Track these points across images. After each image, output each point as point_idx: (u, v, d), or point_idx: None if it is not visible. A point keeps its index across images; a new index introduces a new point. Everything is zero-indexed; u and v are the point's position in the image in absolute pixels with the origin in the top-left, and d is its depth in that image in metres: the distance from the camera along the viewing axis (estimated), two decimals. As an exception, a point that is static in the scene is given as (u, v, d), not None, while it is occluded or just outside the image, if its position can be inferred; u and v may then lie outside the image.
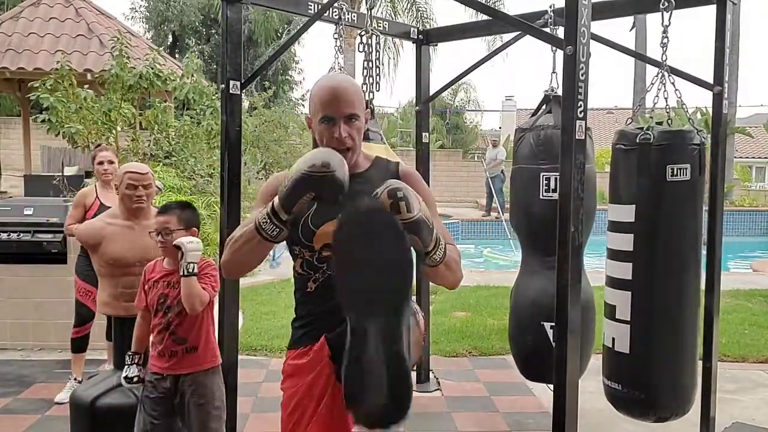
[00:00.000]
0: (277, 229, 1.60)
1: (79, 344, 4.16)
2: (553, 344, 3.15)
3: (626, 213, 2.86)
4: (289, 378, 1.86)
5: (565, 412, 2.17)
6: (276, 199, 1.59)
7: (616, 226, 2.92)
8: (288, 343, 1.92)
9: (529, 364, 3.37)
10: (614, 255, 2.93)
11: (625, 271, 2.86)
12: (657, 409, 2.86)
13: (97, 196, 4.05)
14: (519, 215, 3.41)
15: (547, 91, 3.36)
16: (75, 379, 4.07)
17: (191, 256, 2.41)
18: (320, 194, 1.56)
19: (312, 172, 1.53)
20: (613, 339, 2.93)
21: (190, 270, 2.41)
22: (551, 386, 3.40)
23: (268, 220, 1.59)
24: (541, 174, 3.16)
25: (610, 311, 2.94)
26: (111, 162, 4.12)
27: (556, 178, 3.11)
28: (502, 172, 13.68)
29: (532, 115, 3.48)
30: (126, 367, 2.65)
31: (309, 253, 1.74)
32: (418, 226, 1.53)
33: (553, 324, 3.12)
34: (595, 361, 4.46)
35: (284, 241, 1.72)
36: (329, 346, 1.76)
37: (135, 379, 2.63)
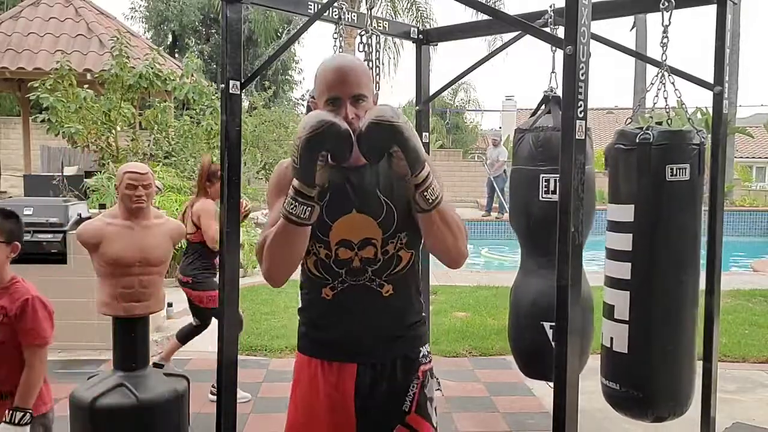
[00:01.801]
0: (308, 208, 1.50)
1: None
2: (553, 344, 3.17)
3: (625, 213, 2.86)
4: (299, 385, 1.81)
5: (566, 412, 2.17)
6: (294, 181, 1.51)
7: (615, 226, 2.92)
8: (297, 342, 1.83)
9: (528, 363, 3.39)
10: (613, 255, 2.93)
11: (624, 270, 2.85)
12: (655, 408, 2.85)
13: None
14: (518, 216, 3.41)
15: (546, 91, 3.36)
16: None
17: None
18: (331, 148, 1.49)
19: (313, 131, 1.46)
20: (612, 339, 2.93)
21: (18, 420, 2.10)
22: (551, 384, 3.43)
23: (295, 203, 1.50)
24: (541, 175, 3.15)
25: (609, 311, 2.94)
26: None
27: (555, 180, 3.11)
28: (504, 172, 13.69)
29: (531, 115, 3.48)
30: None
31: (325, 251, 1.64)
32: (401, 133, 1.48)
33: (553, 324, 3.16)
34: (596, 362, 4.46)
35: None
36: (356, 384, 1.68)
37: None
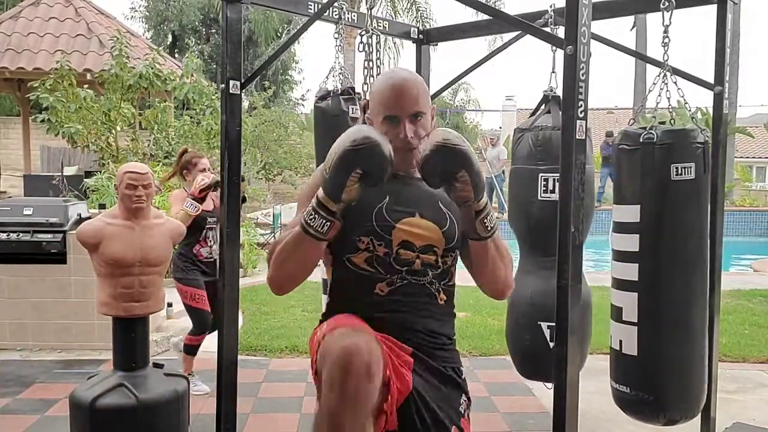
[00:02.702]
0: (328, 223, 1.45)
1: (195, 349, 4.09)
2: (550, 344, 3.17)
3: (631, 213, 2.84)
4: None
5: (566, 412, 2.16)
6: (320, 191, 1.45)
7: (621, 227, 2.89)
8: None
9: (526, 364, 3.38)
10: (620, 256, 2.89)
11: (631, 272, 2.82)
12: (666, 411, 2.80)
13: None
14: (517, 215, 3.41)
15: (546, 91, 3.36)
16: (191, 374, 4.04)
17: None
18: (367, 169, 1.42)
19: (354, 146, 1.40)
20: (621, 341, 2.87)
21: None
22: (548, 385, 3.43)
23: (315, 215, 1.45)
24: (540, 175, 3.15)
25: (617, 313, 2.89)
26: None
27: (554, 179, 3.11)
28: (503, 171, 13.72)
29: (531, 115, 3.48)
30: None
31: (384, 249, 1.55)
32: (469, 158, 1.44)
33: (550, 324, 3.15)
34: (597, 362, 4.46)
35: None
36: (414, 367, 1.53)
37: None
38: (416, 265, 1.56)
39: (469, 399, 1.69)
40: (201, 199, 3.79)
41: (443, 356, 1.63)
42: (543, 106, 3.39)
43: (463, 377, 1.69)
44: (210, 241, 4.03)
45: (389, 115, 1.56)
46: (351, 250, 1.57)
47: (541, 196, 3.15)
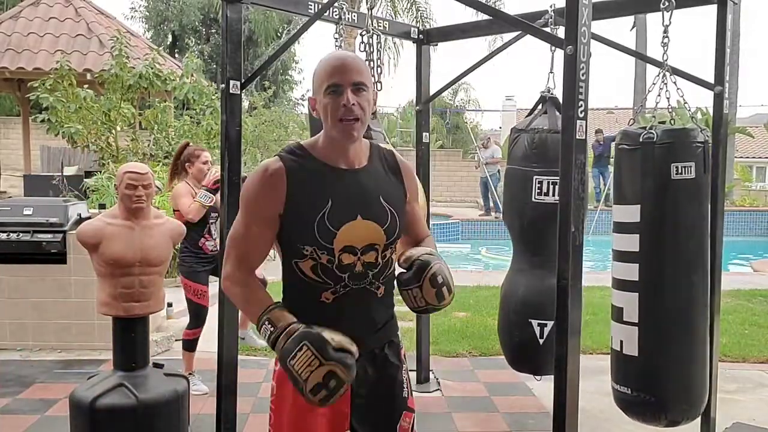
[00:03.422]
0: (273, 336, 1.58)
1: (193, 344, 4.15)
2: (540, 340, 3.20)
3: (631, 213, 2.83)
4: (284, 401, 1.71)
5: (566, 412, 2.17)
6: (283, 325, 1.56)
7: (621, 227, 2.88)
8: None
9: (517, 358, 3.44)
10: (620, 256, 2.88)
11: (631, 272, 2.81)
12: (668, 412, 2.79)
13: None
14: (511, 215, 3.44)
15: (543, 92, 3.36)
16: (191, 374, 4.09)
17: None
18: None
19: (327, 394, 1.50)
20: (621, 342, 2.85)
21: None
22: (537, 377, 3.46)
23: (272, 328, 1.58)
24: (534, 177, 3.17)
25: (618, 314, 2.88)
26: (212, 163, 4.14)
27: (548, 182, 3.13)
28: (498, 171, 13.72)
29: (528, 115, 3.48)
30: None
31: (327, 257, 1.61)
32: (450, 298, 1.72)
33: (540, 321, 3.20)
34: (597, 362, 4.46)
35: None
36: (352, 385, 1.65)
37: None
38: (357, 268, 1.64)
39: (406, 363, 1.83)
40: (215, 191, 3.84)
41: (384, 336, 1.77)
42: (540, 107, 3.40)
43: (399, 341, 1.83)
44: (214, 234, 4.05)
45: (332, 83, 1.57)
46: (298, 255, 1.64)
47: (535, 198, 3.18)
